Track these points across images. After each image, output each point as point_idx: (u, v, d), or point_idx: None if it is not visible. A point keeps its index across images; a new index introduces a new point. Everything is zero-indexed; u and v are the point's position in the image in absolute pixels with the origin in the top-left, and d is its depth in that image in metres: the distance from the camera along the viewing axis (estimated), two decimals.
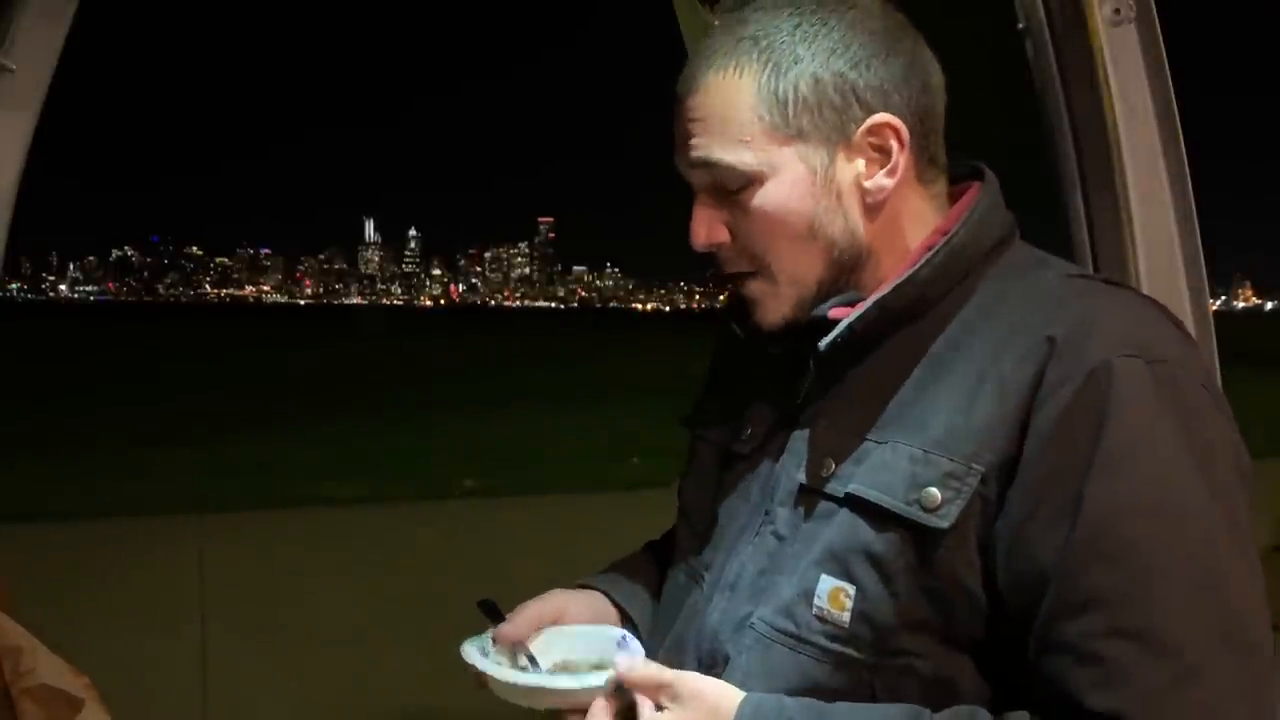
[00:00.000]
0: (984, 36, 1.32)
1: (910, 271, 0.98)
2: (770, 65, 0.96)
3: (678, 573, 1.12)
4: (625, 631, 1.10)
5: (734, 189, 0.98)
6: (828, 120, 0.97)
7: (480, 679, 1.03)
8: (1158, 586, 0.82)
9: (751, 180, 0.97)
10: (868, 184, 0.98)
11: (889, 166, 0.98)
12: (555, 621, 1.12)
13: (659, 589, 1.18)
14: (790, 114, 0.96)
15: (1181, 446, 0.86)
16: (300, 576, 5.34)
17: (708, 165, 0.98)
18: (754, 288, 1.01)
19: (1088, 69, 1.21)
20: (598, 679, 0.97)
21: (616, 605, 1.18)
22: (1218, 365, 1.24)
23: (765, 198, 0.97)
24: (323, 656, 4.41)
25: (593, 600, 1.18)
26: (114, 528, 6.58)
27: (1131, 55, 1.20)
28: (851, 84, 0.96)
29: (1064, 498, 0.85)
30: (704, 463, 1.13)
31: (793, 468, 1.01)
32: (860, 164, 0.98)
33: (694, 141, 0.99)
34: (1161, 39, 1.20)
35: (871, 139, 0.97)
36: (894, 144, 0.97)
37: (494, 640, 1.08)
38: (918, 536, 0.90)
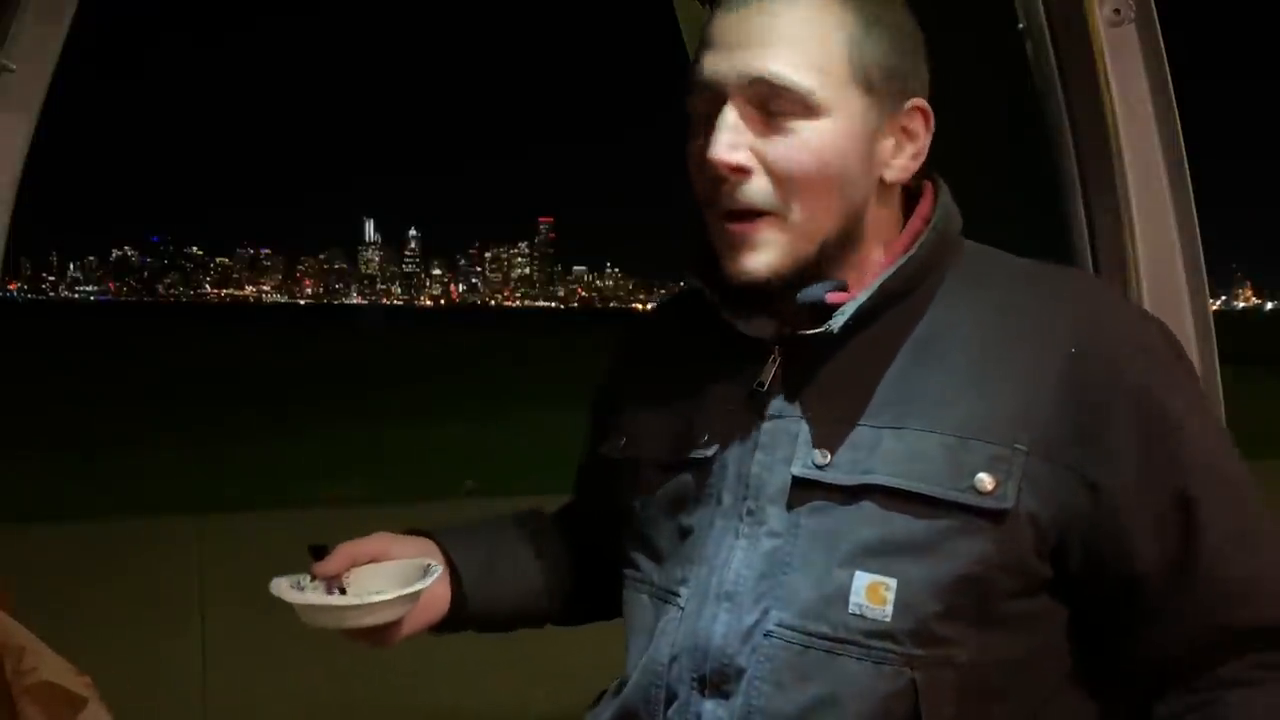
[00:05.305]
0: (984, 36, 1.32)
1: (908, 255, 0.98)
2: (861, 18, 0.96)
3: (639, 595, 1.07)
4: (431, 560, 1.10)
5: (787, 113, 0.94)
6: (890, 87, 0.97)
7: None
8: (1257, 518, 0.95)
9: (812, 110, 0.94)
10: (893, 161, 0.99)
11: (916, 149, 1.00)
12: (375, 560, 1.11)
13: (499, 543, 1.20)
14: (865, 65, 0.96)
15: (1201, 397, 1.00)
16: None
17: (772, 81, 0.94)
18: (761, 228, 0.96)
19: (1088, 69, 1.21)
20: (380, 598, 1.03)
21: (443, 550, 1.14)
22: (1217, 365, 1.24)
23: (819, 132, 0.95)
24: (323, 656, 4.40)
25: (420, 544, 1.14)
26: (114, 528, 6.56)
27: (1131, 55, 1.20)
28: (913, 64, 0.99)
29: (1168, 459, 0.93)
30: (646, 481, 1.07)
31: (776, 462, 0.97)
32: (890, 141, 0.99)
33: (767, 55, 0.94)
34: (1161, 39, 1.20)
35: (906, 121, 0.99)
36: (922, 131, 1.00)
37: (312, 577, 1.12)
38: (973, 521, 0.90)
